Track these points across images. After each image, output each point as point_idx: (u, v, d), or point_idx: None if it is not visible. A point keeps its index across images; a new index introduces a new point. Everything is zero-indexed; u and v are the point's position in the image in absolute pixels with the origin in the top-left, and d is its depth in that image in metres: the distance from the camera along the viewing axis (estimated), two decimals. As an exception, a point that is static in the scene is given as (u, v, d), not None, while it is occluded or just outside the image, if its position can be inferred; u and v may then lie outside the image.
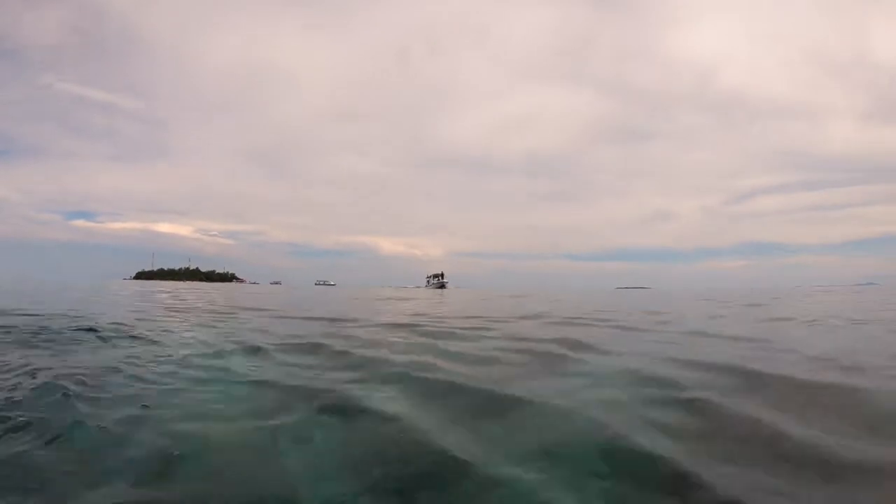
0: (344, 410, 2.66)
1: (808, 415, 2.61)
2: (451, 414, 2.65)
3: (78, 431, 2.20)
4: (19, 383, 3.01)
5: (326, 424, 2.47)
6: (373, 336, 6.32)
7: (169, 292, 19.85)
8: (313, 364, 4.19)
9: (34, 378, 3.12)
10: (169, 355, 4.37)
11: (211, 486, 1.80)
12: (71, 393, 2.76)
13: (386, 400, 2.90)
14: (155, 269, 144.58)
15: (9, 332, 5.45)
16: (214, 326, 7.32)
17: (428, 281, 78.00)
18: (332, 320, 8.77)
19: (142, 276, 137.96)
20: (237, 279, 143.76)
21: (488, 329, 7.35)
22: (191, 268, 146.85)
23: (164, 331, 6.46)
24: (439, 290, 54.76)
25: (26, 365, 3.58)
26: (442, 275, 74.71)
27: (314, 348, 5.08)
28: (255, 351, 4.79)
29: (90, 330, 5.91)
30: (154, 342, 5.27)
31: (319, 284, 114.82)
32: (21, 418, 2.29)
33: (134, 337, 5.63)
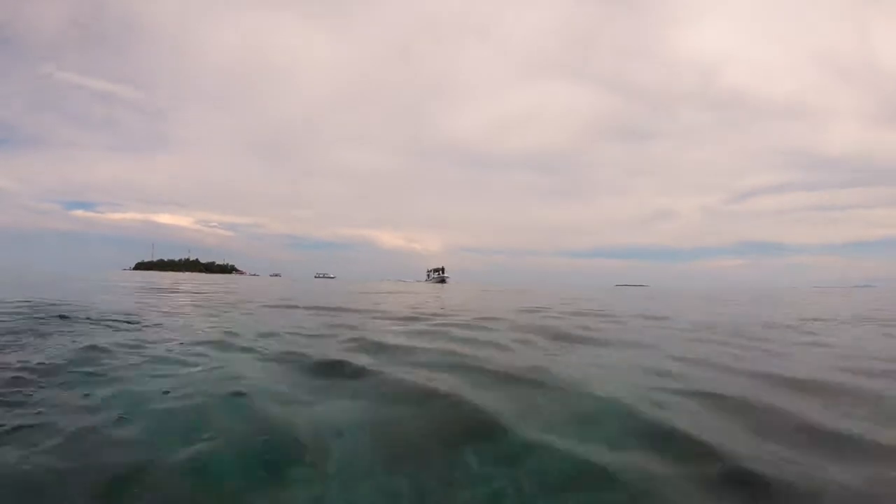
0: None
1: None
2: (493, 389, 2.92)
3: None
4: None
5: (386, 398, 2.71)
6: (396, 327, 6.58)
7: (181, 289, 19.91)
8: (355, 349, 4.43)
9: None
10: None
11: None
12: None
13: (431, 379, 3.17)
14: (155, 259, 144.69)
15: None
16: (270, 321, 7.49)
17: (428, 275, 78.25)
18: (359, 312, 8.97)
19: (141, 266, 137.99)
20: (237, 271, 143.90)
21: (504, 319, 7.65)
22: (190, 259, 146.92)
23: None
24: (440, 285, 54.98)
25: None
26: (442, 269, 75.01)
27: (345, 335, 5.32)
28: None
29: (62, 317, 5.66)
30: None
31: (319, 277, 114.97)
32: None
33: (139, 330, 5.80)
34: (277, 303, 10.97)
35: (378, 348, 4.46)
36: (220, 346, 4.34)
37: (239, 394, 2.65)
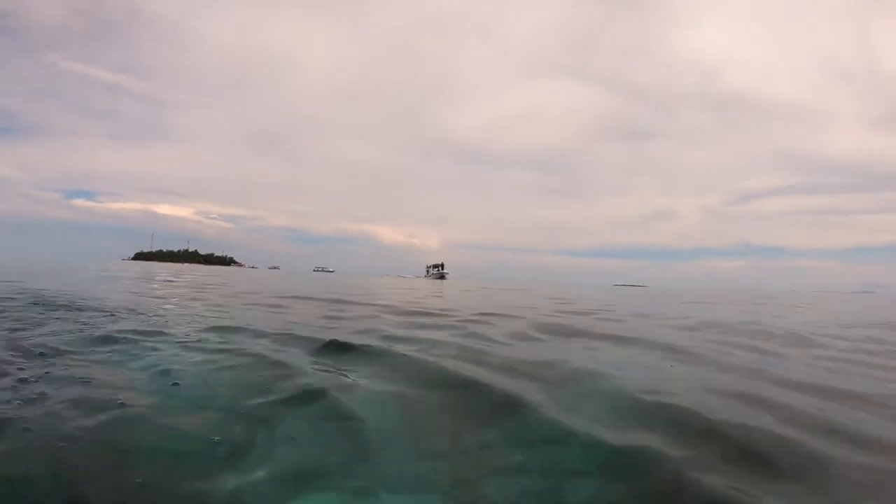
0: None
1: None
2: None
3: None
4: None
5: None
6: (401, 319, 6.71)
7: (177, 281, 19.96)
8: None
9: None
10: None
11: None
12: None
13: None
14: (154, 250, 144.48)
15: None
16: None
17: (428, 271, 78.37)
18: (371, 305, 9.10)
19: (140, 256, 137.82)
20: (236, 263, 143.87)
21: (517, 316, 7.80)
22: (189, 250, 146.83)
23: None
24: (439, 281, 55.11)
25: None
26: (442, 265, 75.14)
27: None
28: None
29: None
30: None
31: (318, 271, 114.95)
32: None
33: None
34: (273, 295, 11.10)
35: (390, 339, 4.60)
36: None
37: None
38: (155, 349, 3.50)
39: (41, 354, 3.06)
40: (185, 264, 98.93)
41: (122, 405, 2.19)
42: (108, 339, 3.74)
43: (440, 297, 14.56)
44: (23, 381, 2.46)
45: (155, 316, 5.45)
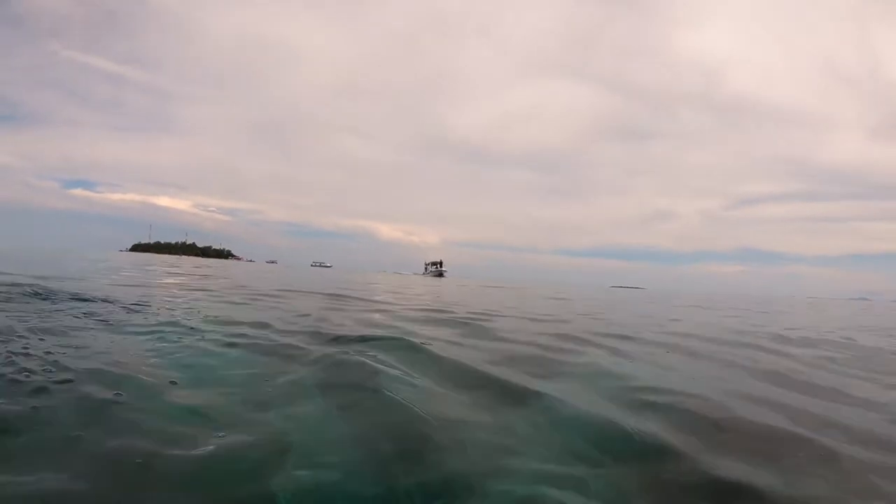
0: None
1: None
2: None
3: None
4: None
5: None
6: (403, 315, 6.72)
7: (173, 273, 19.91)
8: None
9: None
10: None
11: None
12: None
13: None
14: (152, 242, 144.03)
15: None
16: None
17: (426, 268, 78.22)
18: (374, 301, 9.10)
19: (138, 248, 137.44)
20: (233, 256, 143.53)
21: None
22: (187, 242, 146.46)
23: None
24: (438, 279, 55.12)
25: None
26: (441, 263, 74.96)
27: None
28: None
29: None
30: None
31: (315, 266, 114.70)
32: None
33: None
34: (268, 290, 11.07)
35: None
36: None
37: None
38: (159, 338, 3.52)
39: (41, 341, 3.05)
40: (182, 256, 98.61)
41: (122, 398, 2.17)
42: (107, 329, 3.73)
43: (437, 295, 14.56)
44: (22, 371, 2.44)
45: (142, 305, 5.44)
